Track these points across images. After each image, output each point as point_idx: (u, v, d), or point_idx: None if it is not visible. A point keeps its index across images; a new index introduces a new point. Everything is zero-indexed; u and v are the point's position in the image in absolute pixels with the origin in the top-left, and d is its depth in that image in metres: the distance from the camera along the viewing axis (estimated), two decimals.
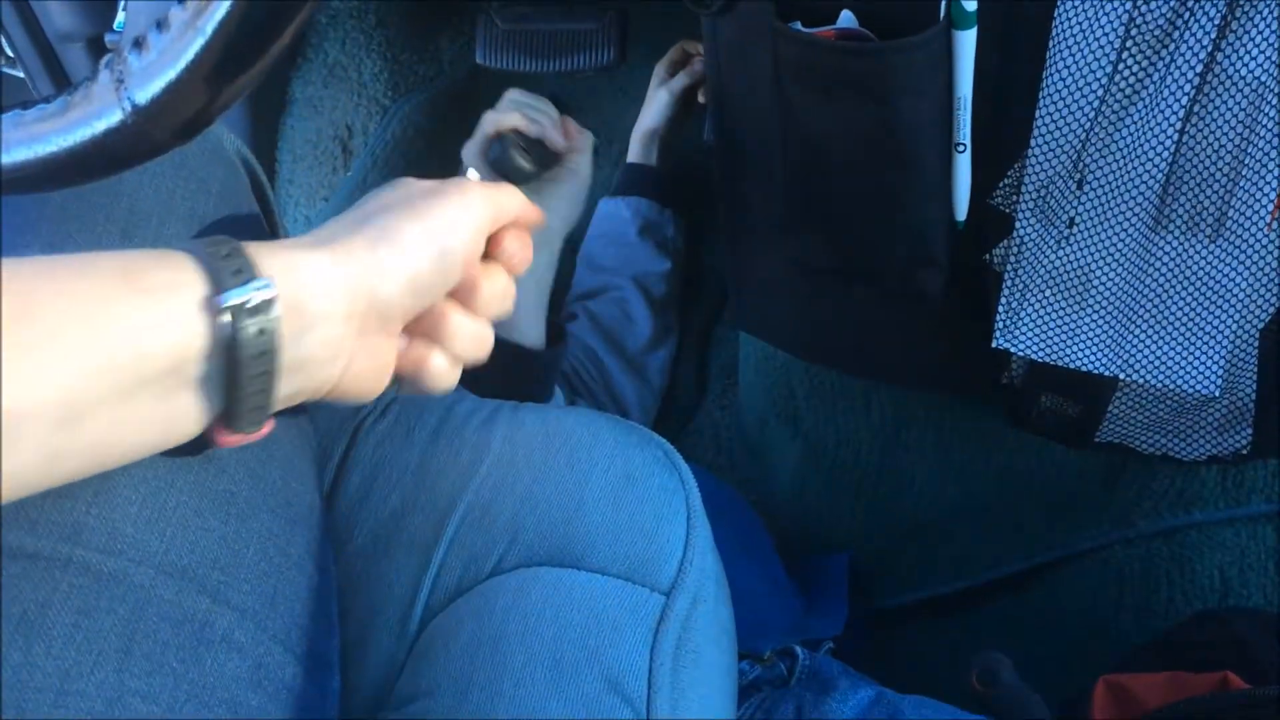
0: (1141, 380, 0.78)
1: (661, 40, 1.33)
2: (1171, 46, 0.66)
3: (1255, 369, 0.76)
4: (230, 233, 0.61)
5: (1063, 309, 0.78)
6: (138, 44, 0.40)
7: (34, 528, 0.47)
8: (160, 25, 0.39)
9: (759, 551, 1.04)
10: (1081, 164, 0.72)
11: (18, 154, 0.42)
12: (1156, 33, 0.66)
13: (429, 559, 0.58)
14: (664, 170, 1.28)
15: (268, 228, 0.66)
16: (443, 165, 1.39)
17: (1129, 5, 0.66)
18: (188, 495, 0.51)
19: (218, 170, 0.62)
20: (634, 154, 1.29)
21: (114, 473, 0.49)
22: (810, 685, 0.83)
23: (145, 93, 0.40)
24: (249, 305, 0.42)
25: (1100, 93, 0.69)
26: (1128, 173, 0.71)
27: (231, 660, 0.49)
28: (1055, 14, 0.68)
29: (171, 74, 0.39)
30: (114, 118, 0.40)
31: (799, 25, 0.75)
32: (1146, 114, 0.69)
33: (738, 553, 1.00)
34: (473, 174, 0.94)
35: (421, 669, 0.55)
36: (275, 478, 0.56)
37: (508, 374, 0.90)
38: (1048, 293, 0.78)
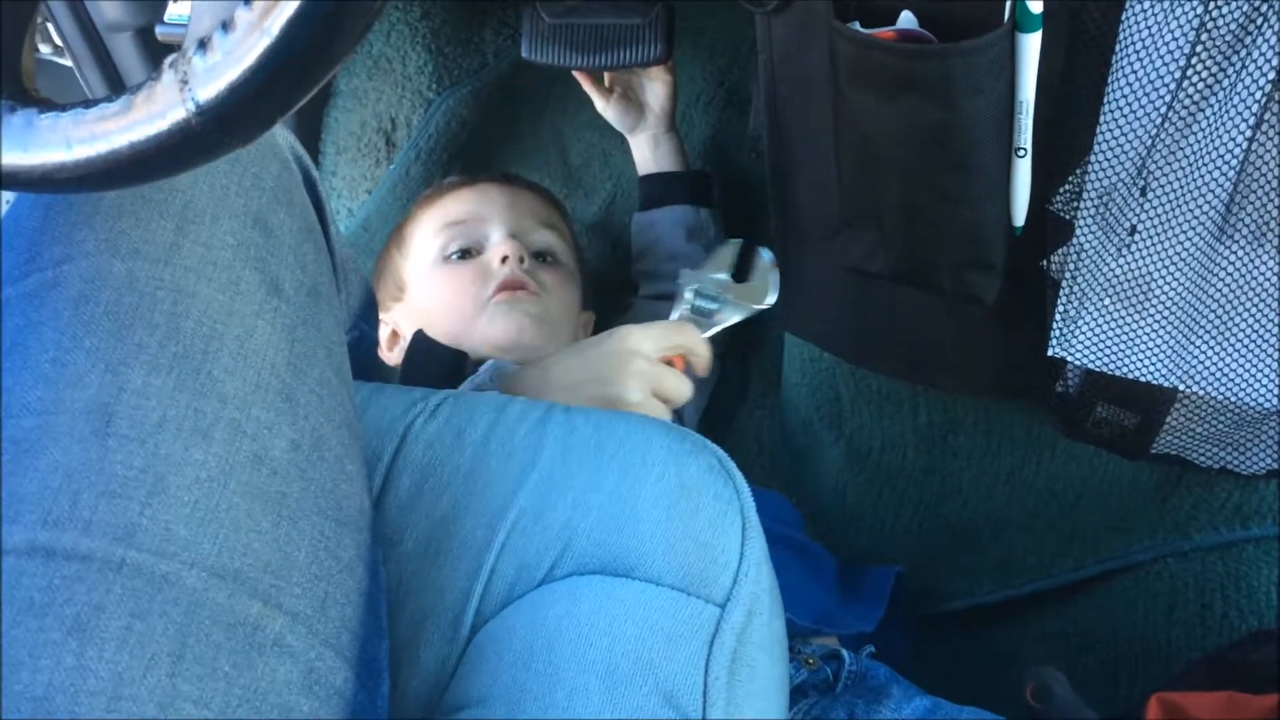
0: (1202, 392, 0.76)
1: (710, 35, 1.32)
2: (1243, 52, 0.65)
3: None
4: (283, 229, 0.61)
5: (1122, 318, 0.76)
6: (202, 44, 0.39)
7: (88, 528, 0.47)
8: (226, 26, 0.38)
9: (791, 527, 1.04)
10: (1146, 171, 0.71)
11: (80, 152, 0.42)
12: (1228, 38, 0.64)
13: (480, 564, 0.58)
14: (685, 170, 1.25)
15: (319, 224, 0.66)
16: (485, 159, 1.39)
17: (1200, 10, 0.64)
18: (240, 496, 0.51)
19: (271, 166, 0.62)
20: (642, 159, 1.25)
21: (167, 471, 0.49)
22: (859, 691, 0.81)
23: (209, 93, 0.39)
24: None
25: (1168, 98, 0.67)
26: (1194, 181, 0.69)
27: (284, 665, 0.49)
28: (1123, 18, 0.67)
29: (236, 75, 0.38)
30: (177, 118, 0.40)
31: (857, 25, 0.73)
32: (1215, 121, 0.67)
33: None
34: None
35: (473, 676, 0.55)
36: (325, 479, 0.55)
37: None
38: (1106, 301, 0.76)
